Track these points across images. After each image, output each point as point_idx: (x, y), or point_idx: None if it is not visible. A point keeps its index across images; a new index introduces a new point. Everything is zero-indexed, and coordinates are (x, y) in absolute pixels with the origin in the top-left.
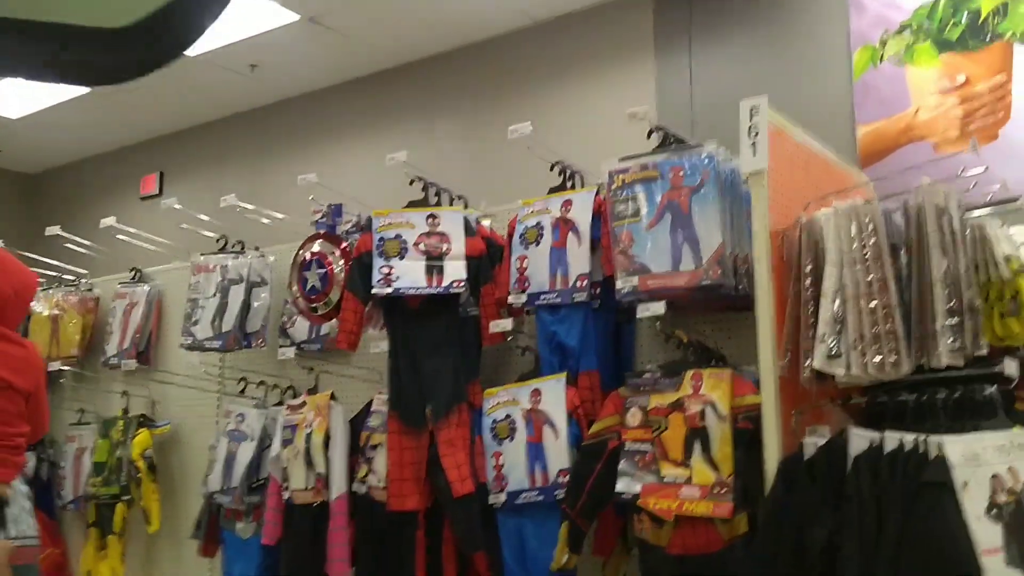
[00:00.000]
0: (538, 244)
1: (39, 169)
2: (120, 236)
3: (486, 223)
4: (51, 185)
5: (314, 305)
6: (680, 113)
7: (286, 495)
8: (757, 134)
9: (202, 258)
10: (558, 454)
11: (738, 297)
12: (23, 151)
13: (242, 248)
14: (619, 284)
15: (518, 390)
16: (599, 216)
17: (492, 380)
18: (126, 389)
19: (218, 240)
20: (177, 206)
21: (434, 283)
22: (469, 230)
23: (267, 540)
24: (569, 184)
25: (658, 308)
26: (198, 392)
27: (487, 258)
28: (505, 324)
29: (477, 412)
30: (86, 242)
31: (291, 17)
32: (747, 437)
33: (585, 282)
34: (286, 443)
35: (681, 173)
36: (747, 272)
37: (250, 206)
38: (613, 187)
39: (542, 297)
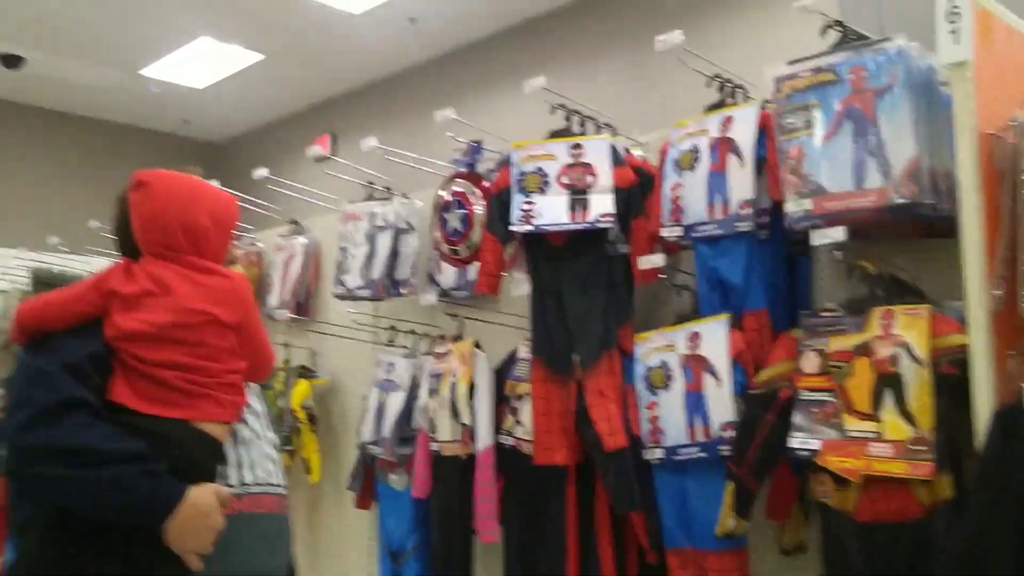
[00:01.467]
0: (694, 169)
1: (223, 139)
2: (280, 190)
3: (636, 152)
4: (235, 153)
5: (455, 248)
6: (862, 3)
7: (434, 447)
8: (959, 17)
9: (350, 206)
10: (721, 405)
11: (937, 219)
12: (209, 121)
13: (389, 194)
14: (789, 208)
15: (674, 334)
16: (764, 133)
17: (645, 323)
18: (287, 340)
19: (365, 187)
20: (340, 160)
21: (579, 218)
22: (617, 159)
23: (418, 493)
24: (728, 100)
25: (837, 235)
26: (354, 342)
27: (638, 189)
28: (656, 260)
29: (629, 358)
30: (261, 201)
31: None
32: (951, 384)
33: (749, 209)
34: (432, 393)
35: (864, 74)
36: (948, 189)
37: (402, 152)
38: (780, 96)
39: (699, 228)
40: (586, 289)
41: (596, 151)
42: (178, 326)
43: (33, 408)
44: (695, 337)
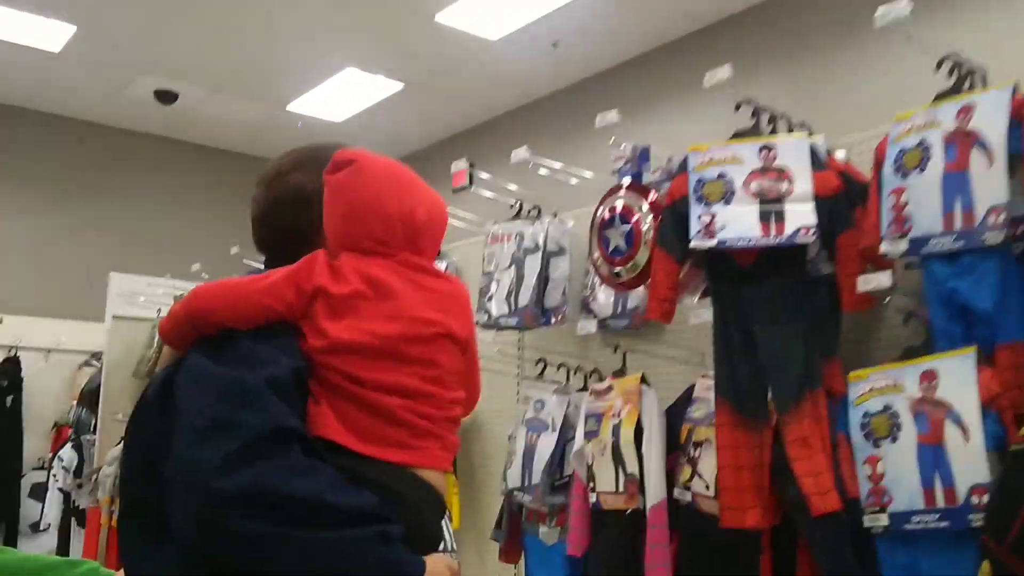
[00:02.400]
0: (923, 170)
1: None
2: None
3: (839, 155)
4: None
5: (617, 270)
6: None
7: (592, 498)
8: None
9: (496, 227)
10: (969, 463)
11: None
12: None
13: (538, 213)
14: None
15: (901, 371)
16: (1019, 122)
17: (855, 358)
18: None
19: (512, 206)
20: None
21: (772, 232)
22: (817, 162)
23: (572, 550)
24: (965, 87)
25: None
26: (498, 376)
27: (844, 197)
28: (880, 280)
29: (839, 401)
30: None
31: None
32: None
33: (1001, 216)
34: (590, 435)
35: None
36: None
37: (553, 163)
38: None
39: (932, 242)
40: (781, 317)
41: (792, 153)
42: (408, 339)
43: (240, 437)
44: (930, 376)
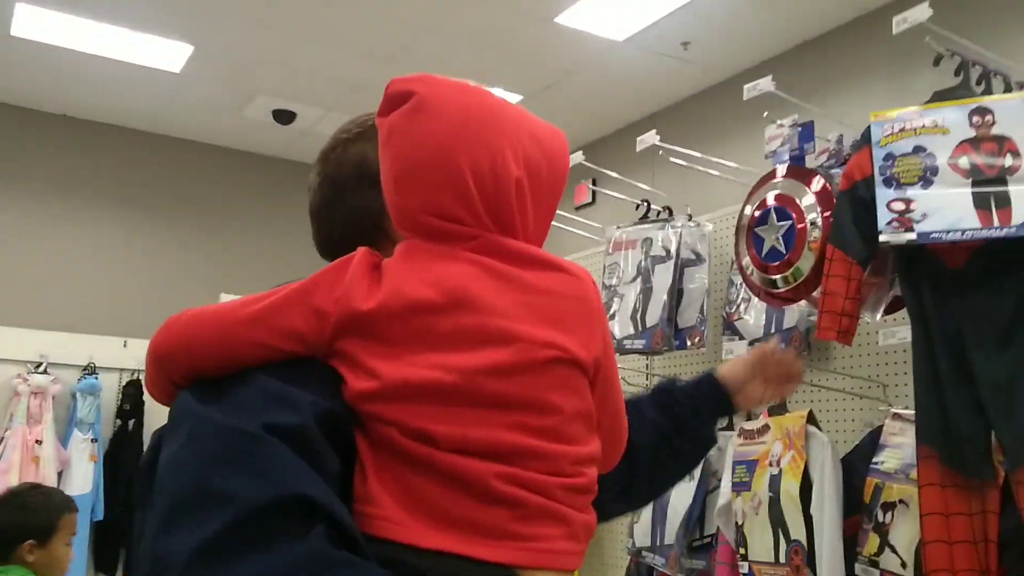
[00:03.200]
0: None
1: None
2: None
3: None
4: None
5: (772, 278)
6: None
7: (744, 568)
8: None
9: (619, 232)
10: None
11: None
12: None
13: (669, 214)
14: None
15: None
16: None
17: None
18: None
19: (638, 206)
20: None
21: (995, 222)
22: None
23: None
24: None
25: None
26: None
27: None
28: None
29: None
30: None
31: None
32: None
33: None
34: (739, 487)
35: None
36: None
37: (689, 151)
38: None
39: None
40: (1010, 338)
41: (1015, 117)
42: (503, 371)
43: (224, 514)
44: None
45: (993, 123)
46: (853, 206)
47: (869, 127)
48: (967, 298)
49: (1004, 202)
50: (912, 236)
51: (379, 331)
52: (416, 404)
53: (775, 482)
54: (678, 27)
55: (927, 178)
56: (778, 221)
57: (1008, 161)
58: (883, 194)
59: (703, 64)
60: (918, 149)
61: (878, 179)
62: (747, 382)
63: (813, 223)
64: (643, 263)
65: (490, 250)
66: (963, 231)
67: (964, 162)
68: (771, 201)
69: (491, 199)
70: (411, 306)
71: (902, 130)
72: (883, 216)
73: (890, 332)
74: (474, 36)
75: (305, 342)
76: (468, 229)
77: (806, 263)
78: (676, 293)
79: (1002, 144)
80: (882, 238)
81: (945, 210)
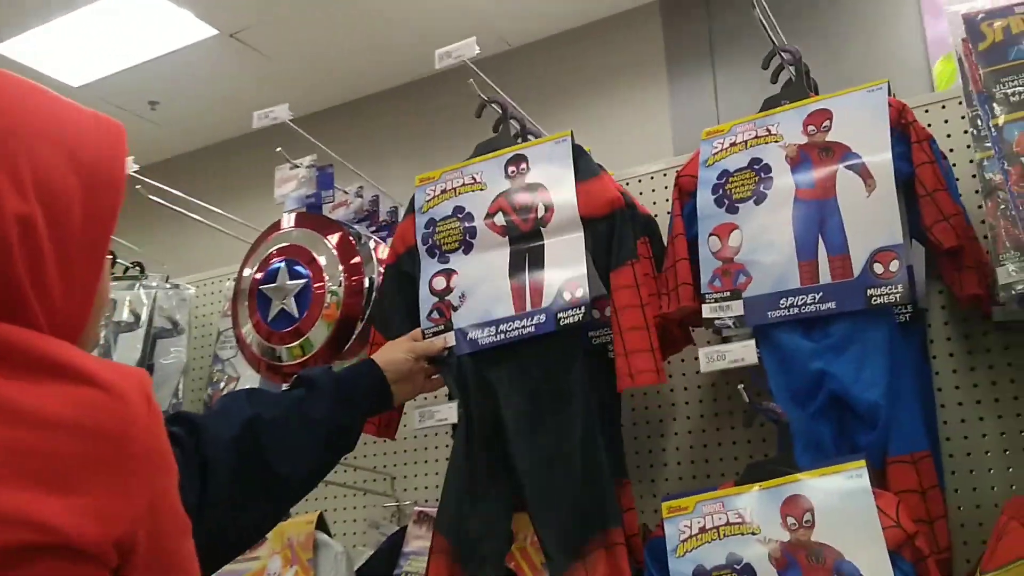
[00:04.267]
0: (760, 200)
1: None
2: None
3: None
4: None
5: (277, 348)
6: (706, 125)
7: None
8: None
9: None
10: None
11: None
12: None
13: (140, 271)
14: (1010, 274)
15: (746, 499)
16: (903, 135)
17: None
18: None
19: (113, 262)
20: None
21: (528, 303)
22: (585, 168)
23: None
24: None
25: None
26: None
27: (626, 219)
28: (743, 354)
29: (654, 545)
30: None
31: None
32: None
33: (894, 264)
34: None
35: None
36: None
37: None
38: (983, 47)
39: (783, 302)
40: (553, 411)
41: (547, 158)
42: None
43: None
44: (794, 505)
45: (527, 169)
46: (398, 282)
47: (415, 193)
48: (507, 368)
49: (538, 262)
50: (451, 341)
51: None
52: None
53: None
54: (144, 82)
55: (466, 242)
56: (289, 280)
57: (542, 208)
58: (428, 267)
59: (174, 126)
60: (458, 210)
61: (421, 248)
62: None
63: (331, 290)
64: (104, 331)
65: None
66: (497, 328)
67: (500, 217)
68: (280, 255)
69: None
70: None
71: (442, 192)
72: (424, 300)
73: (427, 412)
74: None
75: None
76: None
77: (319, 335)
78: (147, 369)
79: (535, 192)
80: (424, 326)
81: (485, 284)
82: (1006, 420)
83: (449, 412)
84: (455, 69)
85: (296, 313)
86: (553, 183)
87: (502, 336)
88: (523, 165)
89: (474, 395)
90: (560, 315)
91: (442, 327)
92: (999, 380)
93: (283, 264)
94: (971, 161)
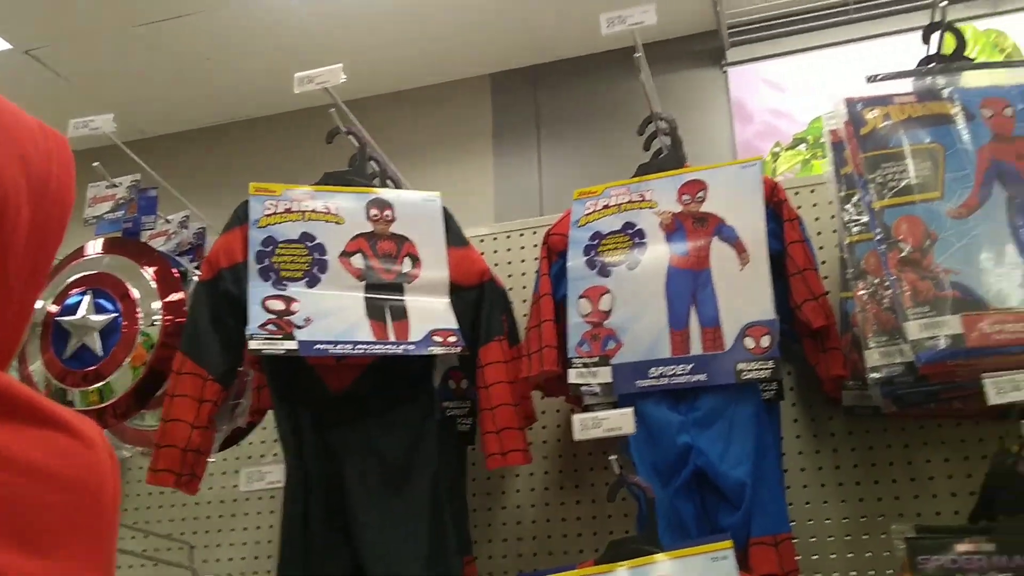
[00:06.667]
0: (633, 265)
1: None
2: None
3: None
4: None
5: (69, 391)
6: (528, 197)
7: None
8: None
9: None
10: None
11: None
12: None
13: None
14: (912, 333)
15: None
16: (775, 211)
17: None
18: None
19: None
20: None
21: (391, 335)
22: (456, 233)
23: None
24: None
25: (1008, 390)
26: None
27: (494, 293)
28: (617, 422)
29: None
30: None
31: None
32: None
33: (766, 339)
34: None
35: (1007, 109)
36: None
37: None
38: (864, 132)
39: (652, 373)
40: (398, 483)
41: (417, 215)
42: None
43: None
44: None
45: (392, 218)
46: (214, 302)
47: (247, 201)
48: (352, 433)
49: (400, 314)
50: (292, 345)
51: None
52: None
53: None
54: None
55: (314, 274)
56: (94, 314)
57: (407, 267)
58: (258, 289)
59: None
60: (306, 237)
61: (253, 268)
62: None
63: (144, 331)
64: None
65: None
66: (355, 343)
67: (359, 261)
68: (83, 285)
69: None
70: None
71: (288, 211)
72: (256, 316)
73: (256, 473)
74: None
75: None
76: None
77: (121, 382)
78: None
79: (401, 245)
80: (252, 345)
81: (334, 316)
82: (849, 505)
83: (281, 474)
84: (288, 111)
85: (100, 352)
86: (423, 241)
87: (362, 350)
88: (387, 212)
89: (316, 455)
90: (428, 346)
91: (280, 337)
92: (843, 464)
93: (87, 295)
94: (836, 245)
